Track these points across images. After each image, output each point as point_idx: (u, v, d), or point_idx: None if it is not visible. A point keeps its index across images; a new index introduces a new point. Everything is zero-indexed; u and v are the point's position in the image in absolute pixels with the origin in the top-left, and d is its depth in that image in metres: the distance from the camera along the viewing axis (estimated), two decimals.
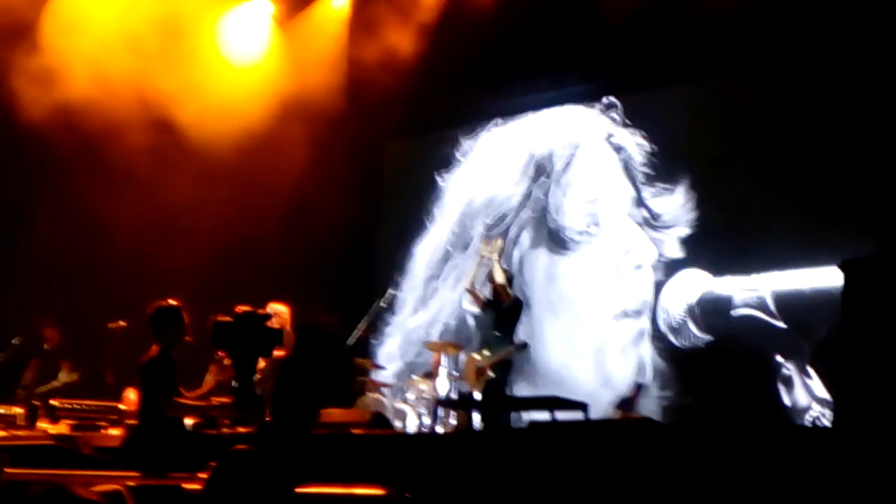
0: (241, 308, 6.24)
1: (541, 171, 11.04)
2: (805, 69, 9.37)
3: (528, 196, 11.01)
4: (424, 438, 7.64)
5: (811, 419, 8.89)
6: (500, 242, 9.29)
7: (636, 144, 10.45)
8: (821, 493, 4.53)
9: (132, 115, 9.36)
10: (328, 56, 11.14)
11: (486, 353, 8.82)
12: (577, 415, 7.88)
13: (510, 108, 11.34)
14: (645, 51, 10.21)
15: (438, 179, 11.83)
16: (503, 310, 8.96)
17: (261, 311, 6.27)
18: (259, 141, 10.08)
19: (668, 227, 10.04)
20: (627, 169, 10.45)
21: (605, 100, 10.74)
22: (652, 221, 10.10)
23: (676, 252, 10.02)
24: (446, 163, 11.91)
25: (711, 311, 9.64)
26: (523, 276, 10.64)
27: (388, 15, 10.76)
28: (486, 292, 9.17)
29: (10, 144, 10.19)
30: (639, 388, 9.29)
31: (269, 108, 10.10)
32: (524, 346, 9.05)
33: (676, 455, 5.16)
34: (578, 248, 10.54)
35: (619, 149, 10.55)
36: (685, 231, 9.98)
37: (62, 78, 9.00)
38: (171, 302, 6.39)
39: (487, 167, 11.45)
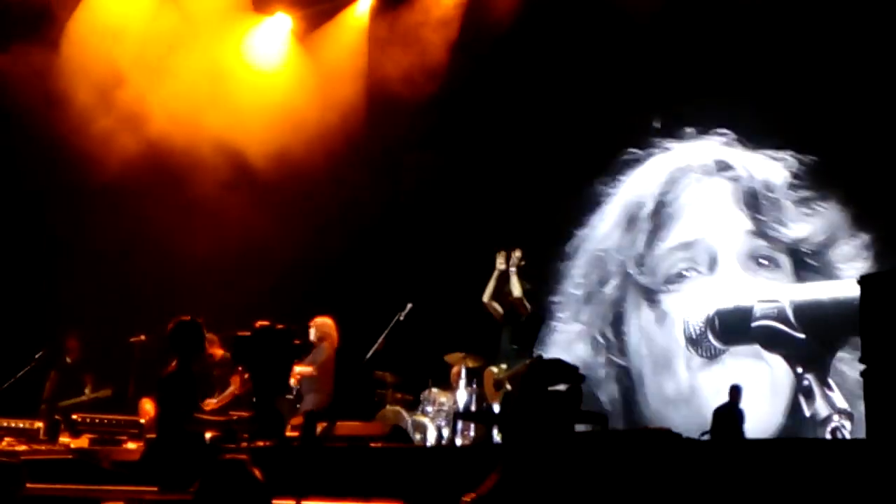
0: (260, 323, 6.26)
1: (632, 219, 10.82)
2: None
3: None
4: (443, 452, 7.62)
5: (831, 429, 8.83)
6: (518, 254, 9.18)
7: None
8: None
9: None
10: (349, 69, 11.21)
11: (503, 366, 8.78)
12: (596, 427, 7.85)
13: None
14: None
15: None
16: (521, 323, 8.92)
17: (279, 326, 6.28)
18: (279, 156, 10.15)
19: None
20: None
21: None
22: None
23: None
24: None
25: (731, 322, 9.55)
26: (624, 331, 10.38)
27: (409, 28, 10.85)
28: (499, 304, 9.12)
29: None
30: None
31: (293, 124, 10.19)
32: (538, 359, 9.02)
33: (696, 466, 5.13)
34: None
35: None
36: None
37: None
38: (191, 316, 6.40)
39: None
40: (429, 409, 9.83)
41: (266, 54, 11.06)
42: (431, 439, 9.45)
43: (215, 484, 3.34)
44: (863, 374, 4.87)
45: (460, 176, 11.92)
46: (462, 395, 9.72)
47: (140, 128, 9.82)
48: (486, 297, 9.20)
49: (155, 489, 5.66)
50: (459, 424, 9.22)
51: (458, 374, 9.85)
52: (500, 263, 9.17)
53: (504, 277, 9.11)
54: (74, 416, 8.02)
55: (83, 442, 7.82)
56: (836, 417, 8.82)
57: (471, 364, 9.90)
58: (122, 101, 9.74)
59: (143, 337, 9.11)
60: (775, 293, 9.36)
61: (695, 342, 9.79)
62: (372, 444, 7.25)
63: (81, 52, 9.95)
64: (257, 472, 3.34)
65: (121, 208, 10.27)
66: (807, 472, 4.76)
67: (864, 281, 4.72)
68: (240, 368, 6.53)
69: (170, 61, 9.90)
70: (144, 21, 10.16)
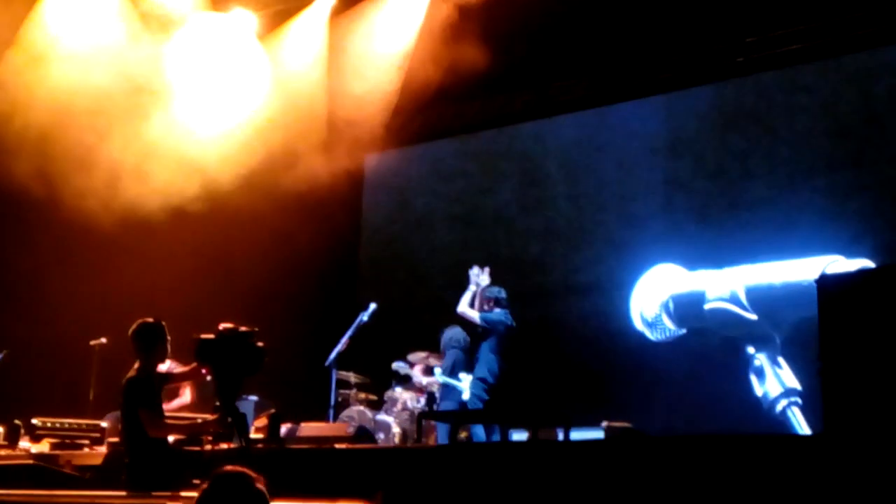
0: (224, 325, 6.22)
1: None
2: None
3: None
4: (407, 452, 7.64)
5: (782, 408, 9.09)
6: (486, 271, 9.33)
7: None
8: (808, 500, 4.58)
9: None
10: (308, 70, 11.16)
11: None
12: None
13: None
14: None
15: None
16: (477, 334, 9.13)
17: (243, 329, 6.24)
18: (241, 155, 10.10)
19: None
20: None
21: None
22: None
23: None
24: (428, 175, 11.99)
25: (685, 305, 9.83)
26: None
27: (370, 28, 10.84)
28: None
29: None
30: None
31: (255, 122, 10.14)
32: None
33: (661, 465, 5.20)
34: None
35: None
36: None
37: None
38: (153, 319, 6.35)
39: None
40: (393, 408, 9.86)
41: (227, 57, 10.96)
42: (396, 439, 9.48)
43: (220, 494, 3.30)
44: (819, 371, 4.96)
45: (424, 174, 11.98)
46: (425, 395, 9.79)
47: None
48: (458, 308, 9.25)
49: (121, 493, 5.63)
50: (424, 424, 9.28)
51: (422, 373, 9.90)
52: (474, 278, 9.26)
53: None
54: (35, 421, 7.93)
55: (44, 447, 7.73)
56: (786, 397, 9.07)
57: (434, 363, 9.95)
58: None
59: (103, 340, 9.02)
60: (728, 276, 9.57)
61: (651, 325, 10.02)
62: (337, 445, 7.26)
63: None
64: (262, 486, 3.31)
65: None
66: (765, 468, 4.84)
67: (821, 280, 4.83)
68: (203, 371, 6.47)
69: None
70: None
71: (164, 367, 6.77)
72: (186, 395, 9.18)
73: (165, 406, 8.50)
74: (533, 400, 9.40)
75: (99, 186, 9.51)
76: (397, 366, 9.95)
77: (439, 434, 8.96)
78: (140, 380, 6.17)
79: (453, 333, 9.43)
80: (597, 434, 7.93)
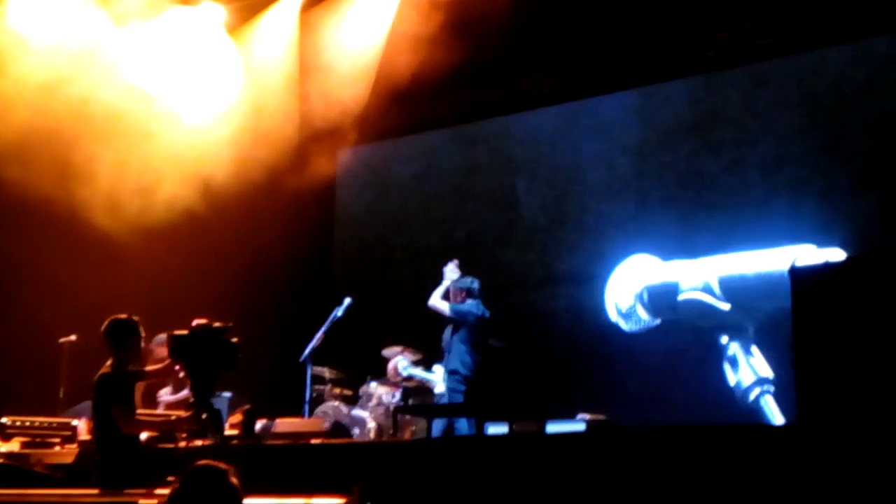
0: (198, 321, 6.19)
1: None
2: None
3: None
4: (383, 447, 7.63)
5: (755, 396, 9.19)
6: (455, 264, 9.32)
7: None
8: (783, 490, 4.62)
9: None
10: (279, 65, 11.10)
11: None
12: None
13: None
14: None
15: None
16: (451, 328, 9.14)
17: (217, 324, 6.21)
18: (212, 150, 10.03)
19: None
20: None
21: None
22: None
23: None
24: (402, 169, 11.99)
25: (659, 296, 9.93)
26: None
27: (342, 22, 10.79)
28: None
29: None
30: None
31: (225, 117, 10.07)
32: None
33: (636, 458, 5.22)
34: None
35: None
36: None
37: None
38: (127, 315, 6.30)
39: None
40: (368, 403, 9.84)
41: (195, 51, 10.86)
42: (371, 434, 9.46)
43: (192, 490, 3.28)
44: (793, 362, 5.00)
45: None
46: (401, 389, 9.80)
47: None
48: (431, 301, 9.21)
49: (94, 491, 5.58)
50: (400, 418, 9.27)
51: (396, 367, 9.88)
52: (448, 272, 9.25)
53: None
54: (5, 420, 7.83)
55: (14, 446, 7.64)
56: (759, 385, 9.18)
57: (409, 357, 9.94)
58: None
59: (73, 337, 8.92)
60: (702, 267, 9.68)
61: (626, 316, 10.08)
62: (313, 441, 7.24)
63: None
64: (235, 482, 3.29)
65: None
66: (742, 458, 4.88)
67: (795, 271, 4.87)
68: (177, 368, 6.43)
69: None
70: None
71: None
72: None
73: (167, 398, 8.48)
74: (508, 392, 9.40)
75: (69, 182, 9.41)
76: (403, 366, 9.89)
77: (434, 429, 8.82)
78: (113, 376, 6.12)
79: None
80: (574, 426, 7.96)
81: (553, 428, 7.65)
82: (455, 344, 8.94)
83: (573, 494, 5.18)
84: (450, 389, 8.90)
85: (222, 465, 3.33)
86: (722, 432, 5.17)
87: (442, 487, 5.66)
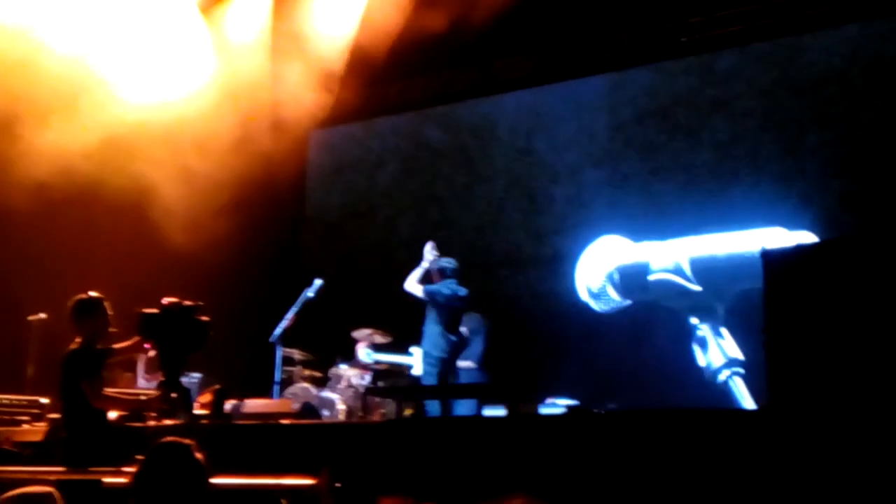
0: (168, 299, 6.15)
1: None
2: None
3: None
4: (353, 428, 7.63)
5: (725, 378, 9.28)
6: (432, 246, 9.28)
7: None
8: (754, 473, 4.66)
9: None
10: (252, 45, 11.01)
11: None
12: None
13: None
14: None
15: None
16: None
17: (187, 303, 6.17)
18: (184, 129, 9.95)
19: None
20: None
21: None
22: None
23: None
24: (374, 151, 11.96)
25: (630, 276, 10.00)
26: None
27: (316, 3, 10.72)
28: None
29: None
30: None
31: (198, 97, 9.98)
32: None
33: (606, 441, 5.24)
34: None
35: None
36: None
37: None
38: (93, 293, 6.26)
39: None
40: (337, 385, 9.83)
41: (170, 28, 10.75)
42: (341, 416, 9.46)
43: (157, 466, 3.28)
44: (764, 344, 5.03)
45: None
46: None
47: None
48: (406, 284, 9.16)
49: (61, 469, 5.54)
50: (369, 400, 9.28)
51: (365, 349, 9.89)
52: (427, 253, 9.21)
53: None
54: None
55: None
56: (728, 367, 9.28)
57: (379, 340, 9.94)
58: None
59: (43, 315, 8.84)
60: (672, 248, 9.77)
61: (596, 296, 10.14)
62: (282, 421, 7.23)
63: None
64: (200, 457, 3.30)
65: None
66: (711, 442, 4.91)
67: (767, 254, 4.89)
68: (146, 345, 6.39)
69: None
70: None
71: None
72: None
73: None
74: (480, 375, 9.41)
75: (37, 159, 9.29)
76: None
77: (462, 408, 8.64)
78: (81, 352, 6.09)
79: (473, 320, 9.37)
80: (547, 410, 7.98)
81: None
82: (428, 325, 8.87)
83: (543, 477, 5.20)
84: (425, 371, 8.88)
85: (186, 441, 3.34)
86: (693, 416, 5.20)
87: (410, 468, 5.66)
